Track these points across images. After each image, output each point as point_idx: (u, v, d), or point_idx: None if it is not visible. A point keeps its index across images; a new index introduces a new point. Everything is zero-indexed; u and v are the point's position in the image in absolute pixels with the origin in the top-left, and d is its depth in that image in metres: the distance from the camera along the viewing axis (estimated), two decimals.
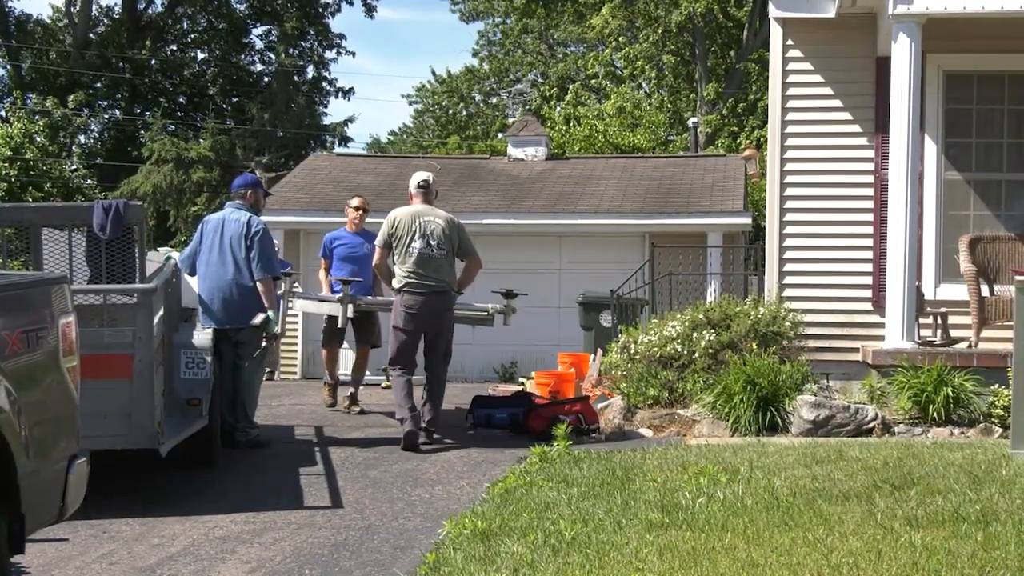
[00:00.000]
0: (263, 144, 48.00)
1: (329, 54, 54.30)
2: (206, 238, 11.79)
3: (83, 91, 48.19)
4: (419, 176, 12.26)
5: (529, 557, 6.84)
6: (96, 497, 7.83)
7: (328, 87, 54.60)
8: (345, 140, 53.45)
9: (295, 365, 23.35)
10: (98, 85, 50.32)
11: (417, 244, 11.72)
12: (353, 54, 73.88)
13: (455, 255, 12.04)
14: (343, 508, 9.14)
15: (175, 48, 54.28)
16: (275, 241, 13.27)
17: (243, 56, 54.26)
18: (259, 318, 11.41)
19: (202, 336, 10.67)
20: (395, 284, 11.93)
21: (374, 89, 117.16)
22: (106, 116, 51.46)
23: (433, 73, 63.76)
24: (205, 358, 10.42)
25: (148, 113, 50.62)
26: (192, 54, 54.82)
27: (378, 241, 12.03)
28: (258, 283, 11.56)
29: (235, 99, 53.68)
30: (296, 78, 52.93)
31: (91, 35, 50.52)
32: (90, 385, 7.33)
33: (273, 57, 53.38)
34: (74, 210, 12.89)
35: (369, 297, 14.16)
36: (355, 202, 15.45)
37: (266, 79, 53.39)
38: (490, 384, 20.16)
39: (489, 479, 9.97)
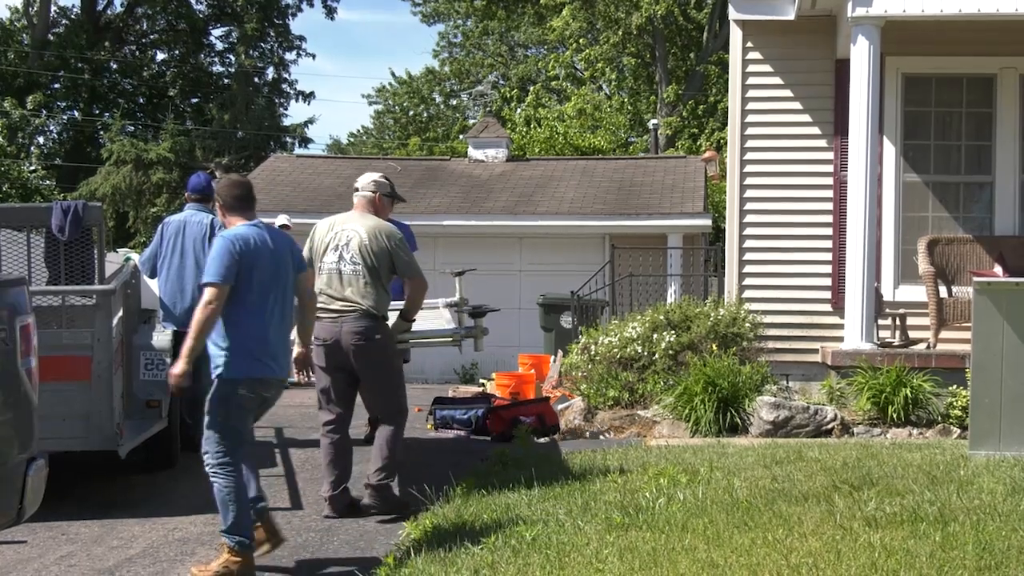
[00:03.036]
0: (223, 145, 47.80)
1: (289, 55, 54.12)
2: (167, 240, 11.69)
3: (42, 92, 47.87)
4: (360, 179, 9.56)
5: (489, 558, 6.85)
6: (55, 499, 7.80)
7: (288, 89, 54.45)
8: (305, 141, 53.31)
9: None
10: (57, 86, 49.99)
11: (328, 258, 9.00)
12: (313, 56, 73.54)
13: (386, 273, 9.02)
14: (303, 510, 9.13)
15: (134, 49, 53.95)
16: None
17: (203, 57, 54.01)
18: None
19: (162, 337, 10.62)
20: None
21: (334, 91, 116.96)
22: (65, 117, 51.11)
23: (393, 74, 63.66)
24: (165, 359, 10.36)
25: (107, 114, 50.31)
26: (152, 55, 54.54)
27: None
28: None
29: (195, 100, 53.46)
30: (256, 79, 52.73)
31: (50, 35, 50.14)
32: (49, 387, 7.27)
33: (233, 58, 53.14)
34: (32, 211, 12.78)
35: None
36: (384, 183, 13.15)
37: (226, 80, 53.17)
38: (451, 385, 20.15)
39: (450, 480, 9.95)
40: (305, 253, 8.78)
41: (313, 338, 8.56)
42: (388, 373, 9.12)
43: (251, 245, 7.40)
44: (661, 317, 13.89)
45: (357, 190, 9.40)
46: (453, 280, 11.76)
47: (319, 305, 8.65)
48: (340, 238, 9.04)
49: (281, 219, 16.59)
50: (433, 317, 11.34)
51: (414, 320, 9.61)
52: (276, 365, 7.54)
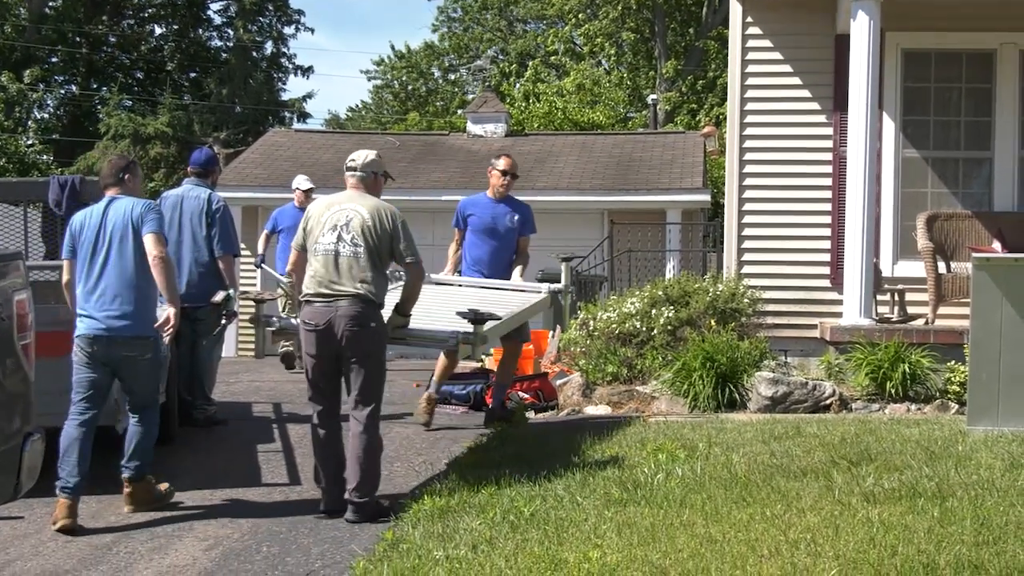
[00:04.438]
0: (221, 120, 47.79)
1: (288, 30, 54.06)
2: (164, 214, 11.68)
3: (39, 66, 47.81)
4: (356, 157, 9.02)
5: (488, 534, 6.86)
6: (52, 475, 7.79)
7: (287, 64, 54.35)
8: (304, 116, 53.31)
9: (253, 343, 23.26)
10: (54, 60, 49.95)
11: (324, 239, 8.47)
12: (312, 30, 73.52)
13: (386, 257, 8.59)
14: (301, 485, 9.14)
15: (132, 23, 53.80)
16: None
17: (201, 31, 53.89)
18: (219, 296, 11.31)
19: (159, 312, 10.59)
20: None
21: (333, 65, 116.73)
22: (62, 91, 51.03)
23: (392, 48, 63.50)
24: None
25: (105, 88, 50.20)
26: (149, 29, 54.40)
27: (294, 243, 8.93)
28: (219, 260, 11.49)
29: (193, 75, 53.38)
30: (255, 54, 52.65)
31: (47, 9, 50.03)
32: (45, 362, 7.25)
33: (231, 33, 53.03)
34: (29, 186, 12.77)
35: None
36: (501, 163, 12.15)
37: (224, 55, 53.07)
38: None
39: (448, 456, 9.97)
40: (298, 236, 8.73)
41: (302, 322, 8.41)
42: (376, 366, 8.48)
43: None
44: (660, 293, 13.87)
45: (354, 170, 8.84)
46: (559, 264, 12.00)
47: (309, 286, 8.41)
48: (339, 218, 8.48)
49: (300, 181, 16.34)
50: (521, 301, 11.18)
51: (409, 315, 8.96)
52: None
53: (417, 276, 8.75)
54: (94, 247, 8.38)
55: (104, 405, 8.42)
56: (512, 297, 11.35)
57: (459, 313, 9.15)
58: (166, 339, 8.53)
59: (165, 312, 8.37)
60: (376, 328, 8.43)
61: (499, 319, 9.60)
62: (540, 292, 11.46)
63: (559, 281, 11.87)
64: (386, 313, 8.70)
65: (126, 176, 8.75)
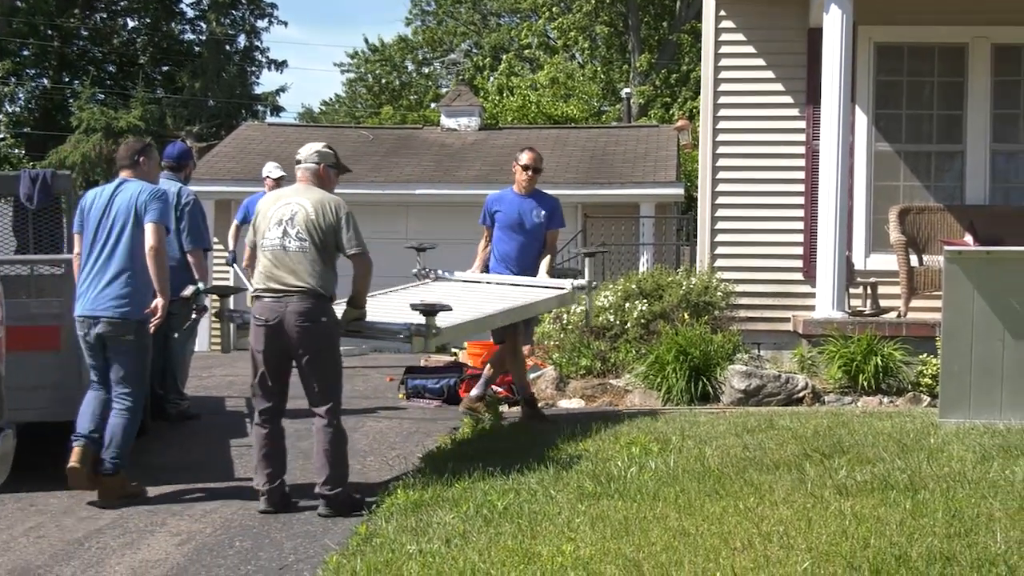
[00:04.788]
0: (194, 114, 47.63)
1: (261, 23, 53.91)
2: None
3: (10, 59, 47.53)
4: (301, 150, 8.88)
5: (461, 527, 6.85)
6: (23, 470, 7.76)
7: (260, 57, 54.21)
8: (277, 110, 53.18)
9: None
10: (25, 53, 49.64)
11: (270, 234, 8.36)
12: (285, 23, 73.33)
13: (332, 250, 8.42)
14: None
15: (104, 16, 53.55)
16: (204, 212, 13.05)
17: (174, 25, 53.67)
18: (189, 290, 11.27)
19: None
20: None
21: (306, 59, 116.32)
22: (34, 85, 50.81)
23: (366, 41, 63.47)
24: None
25: (77, 82, 49.94)
26: (122, 22, 54.15)
27: (247, 239, 8.91)
28: (188, 255, 11.45)
29: (165, 68, 53.18)
30: (227, 47, 52.48)
31: (18, 2, 49.74)
32: (16, 357, 7.23)
33: (204, 26, 52.87)
34: (0, 180, 12.71)
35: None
36: (524, 158, 11.99)
37: (197, 48, 52.87)
38: (423, 355, 20.10)
39: (421, 450, 9.96)
40: (250, 230, 8.68)
41: (253, 318, 8.37)
42: (331, 360, 8.37)
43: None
44: (633, 286, 13.89)
45: (299, 162, 8.71)
46: (584, 260, 11.91)
47: (258, 282, 8.37)
48: (284, 212, 8.36)
49: (270, 169, 16.27)
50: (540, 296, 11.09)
51: (363, 308, 8.82)
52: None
53: (362, 267, 8.51)
54: (97, 228, 8.63)
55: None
56: (535, 293, 11.23)
57: (412, 305, 8.97)
58: (151, 327, 8.59)
59: (155, 301, 8.50)
60: (327, 323, 8.32)
61: (449, 308, 9.27)
62: (563, 288, 11.26)
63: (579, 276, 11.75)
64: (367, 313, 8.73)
65: (140, 159, 8.91)
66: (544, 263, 11.57)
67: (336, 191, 8.71)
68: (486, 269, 11.85)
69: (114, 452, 8.39)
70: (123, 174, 8.82)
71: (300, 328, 8.14)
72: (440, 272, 11.97)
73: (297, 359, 8.26)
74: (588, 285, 11.43)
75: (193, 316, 11.26)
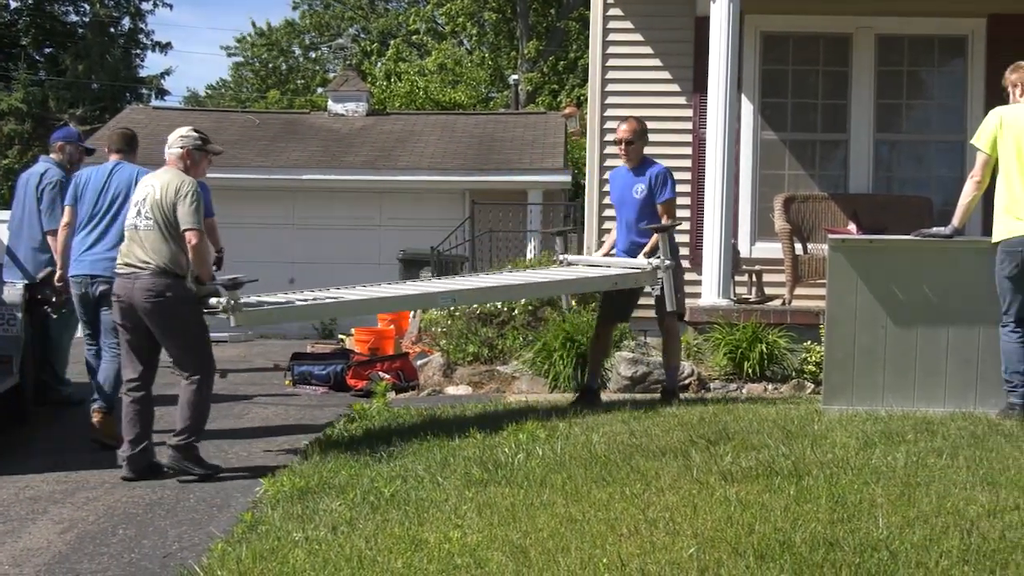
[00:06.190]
0: (77, 96, 46.92)
1: (146, 5, 53.22)
2: (18, 192, 11.64)
3: None
4: (169, 136, 9.15)
5: (348, 514, 6.82)
6: None
7: (145, 40, 53.52)
8: (162, 93, 52.57)
9: None
10: None
11: (129, 215, 8.88)
12: (171, 6, 72.38)
13: (174, 227, 8.63)
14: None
15: None
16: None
17: (57, 6, 52.79)
18: (43, 272, 11.11)
19: (13, 292, 10.38)
20: None
21: (192, 42, 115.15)
22: None
23: (253, 26, 62.83)
24: (16, 314, 10.16)
25: None
26: (4, 2, 53.17)
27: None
28: (47, 235, 11.27)
29: (48, 50, 52.27)
30: (112, 29, 51.76)
31: None
32: None
33: (88, 7, 52.06)
34: None
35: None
36: (617, 132, 11.31)
37: (81, 30, 52.07)
38: (309, 341, 20.01)
39: (308, 437, 9.90)
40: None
41: (113, 295, 8.80)
42: (183, 330, 8.71)
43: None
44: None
45: (167, 147, 9.00)
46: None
47: (116, 263, 8.81)
48: (140, 194, 8.79)
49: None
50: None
51: (208, 283, 8.81)
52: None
53: (193, 244, 8.59)
54: (96, 201, 10.03)
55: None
56: (614, 274, 10.90)
57: (219, 282, 8.85)
58: None
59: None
60: (173, 297, 8.58)
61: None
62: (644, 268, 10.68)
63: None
64: None
65: (130, 145, 10.55)
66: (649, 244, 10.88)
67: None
68: (613, 253, 11.36)
69: (109, 393, 9.65)
70: (115, 157, 10.33)
71: (147, 304, 8.55)
72: (569, 258, 11.73)
73: (153, 332, 8.67)
74: (662, 264, 10.60)
75: (53, 299, 11.06)
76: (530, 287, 11.25)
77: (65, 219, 10.37)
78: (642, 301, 13.30)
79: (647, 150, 11.14)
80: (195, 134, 9.05)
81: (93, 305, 9.88)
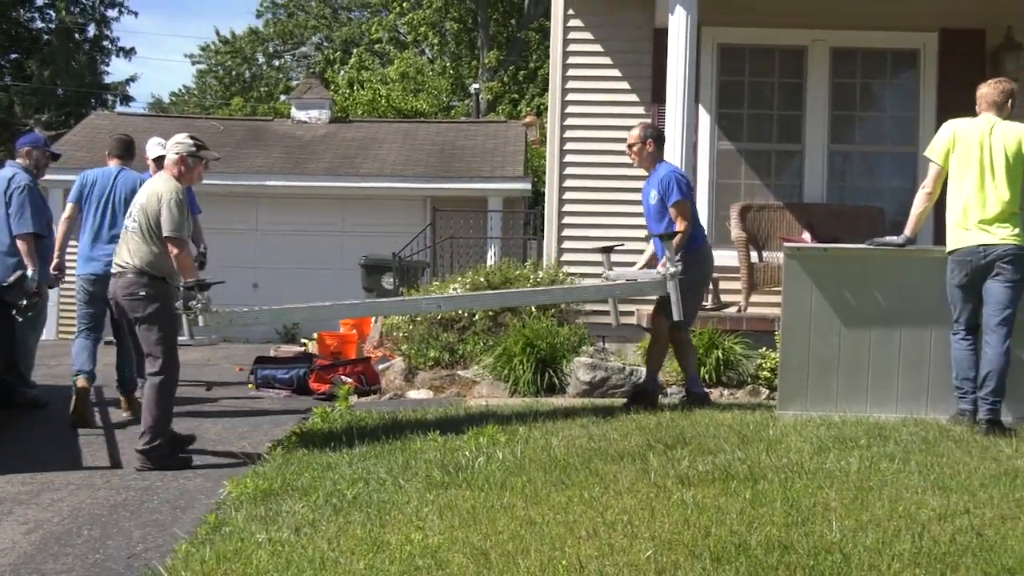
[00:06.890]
0: (43, 102, 46.74)
1: (111, 12, 53.06)
2: None
3: None
4: (168, 142, 9.62)
5: (311, 516, 6.89)
6: None
7: (109, 46, 53.34)
8: (127, 100, 52.44)
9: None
10: None
11: (126, 218, 9.43)
12: (136, 13, 72.23)
13: (156, 231, 9.03)
14: (123, 468, 9.06)
15: None
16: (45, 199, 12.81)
17: (22, 12, 52.53)
18: (13, 276, 11.15)
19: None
20: None
21: (157, 50, 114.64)
22: None
23: (217, 33, 62.80)
24: None
25: None
26: None
27: None
28: (17, 240, 11.30)
29: (14, 56, 52.03)
30: (77, 36, 51.56)
31: None
32: None
33: (54, 14, 51.85)
34: None
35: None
36: (634, 134, 11.11)
37: (46, 36, 51.83)
38: (272, 345, 20.07)
39: (271, 439, 9.96)
40: None
41: (108, 293, 9.51)
42: (151, 330, 9.06)
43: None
44: (481, 279, 13.99)
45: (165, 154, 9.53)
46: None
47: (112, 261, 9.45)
48: (136, 199, 9.34)
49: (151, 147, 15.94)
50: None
51: (184, 287, 9.02)
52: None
53: (176, 250, 8.98)
54: (102, 205, 11.02)
55: (101, 331, 11.22)
56: (607, 285, 11.18)
57: (184, 284, 9.05)
58: None
59: None
60: (146, 296, 9.06)
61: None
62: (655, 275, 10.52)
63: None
64: None
65: (128, 151, 11.54)
66: (650, 249, 11.04)
67: None
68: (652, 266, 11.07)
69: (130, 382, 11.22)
70: (115, 162, 11.41)
71: (124, 301, 9.15)
72: (610, 275, 11.51)
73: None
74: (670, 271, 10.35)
75: (23, 303, 11.10)
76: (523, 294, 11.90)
77: (66, 213, 11.43)
78: (598, 307, 13.48)
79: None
80: (190, 140, 9.36)
81: (103, 299, 10.46)
